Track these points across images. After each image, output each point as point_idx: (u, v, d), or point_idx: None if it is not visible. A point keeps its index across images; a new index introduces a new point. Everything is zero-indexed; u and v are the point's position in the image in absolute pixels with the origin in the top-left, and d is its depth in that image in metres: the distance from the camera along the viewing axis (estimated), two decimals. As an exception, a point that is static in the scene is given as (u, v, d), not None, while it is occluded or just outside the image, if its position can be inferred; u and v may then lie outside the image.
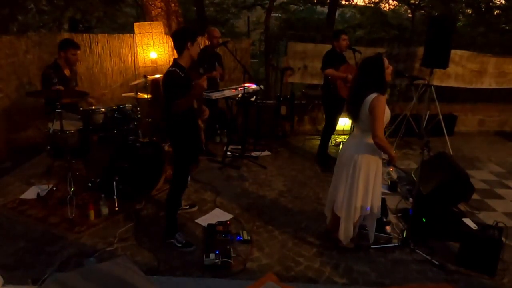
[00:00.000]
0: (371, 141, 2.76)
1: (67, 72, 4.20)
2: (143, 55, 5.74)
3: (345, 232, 2.98)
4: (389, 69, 2.78)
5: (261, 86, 5.01)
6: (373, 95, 2.68)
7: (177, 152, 3.05)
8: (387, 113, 2.78)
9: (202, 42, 5.50)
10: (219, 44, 4.94)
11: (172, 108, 2.83)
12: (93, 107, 4.01)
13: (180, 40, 2.89)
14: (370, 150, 2.82)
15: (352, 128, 2.99)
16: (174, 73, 2.83)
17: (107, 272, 1.62)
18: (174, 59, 2.95)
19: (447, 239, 3.19)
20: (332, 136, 6.12)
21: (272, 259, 2.94)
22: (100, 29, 11.42)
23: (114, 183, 3.50)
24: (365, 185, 2.85)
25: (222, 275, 2.71)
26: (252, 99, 4.93)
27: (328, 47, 4.99)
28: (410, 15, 13.18)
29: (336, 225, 3.04)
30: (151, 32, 5.66)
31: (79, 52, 4.21)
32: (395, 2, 13.65)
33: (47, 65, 4.20)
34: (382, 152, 2.87)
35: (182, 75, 2.85)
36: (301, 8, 13.91)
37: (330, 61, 4.65)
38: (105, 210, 3.44)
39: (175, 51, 3.00)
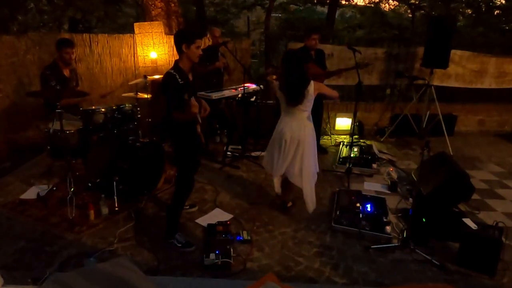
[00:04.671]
0: (308, 117, 3.38)
1: (66, 72, 4.19)
2: (143, 55, 5.74)
3: (311, 197, 3.47)
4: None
5: (261, 86, 5.01)
6: (312, 81, 3.28)
7: (178, 154, 3.06)
8: None
9: (204, 42, 5.50)
10: (219, 44, 4.96)
11: (171, 115, 2.82)
12: (93, 107, 4.01)
13: (176, 42, 2.86)
14: (310, 125, 3.41)
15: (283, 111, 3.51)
16: (171, 77, 2.80)
17: (107, 272, 1.62)
18: (175, 61, 2.93)
19: (447, 239, 3.19)
20: (332, 136, 6.17)
21: (272, 259, 2.94)
22: (100, 29, 11.40)
23: (114, 183, 3.50)
24: (314, 153, 3.50)
25: (222, 275, 2.71)
26: (252, 99, 4.93)
27: (328, 47, 5.02)
28: (410, 15, 13.16)
29: (287, 194, 3.68)
30: (151, 32, 5.66)
31: (74, 50, 4.19)
32: (395, 2, 13.63)
33: (45, 65, 4.19)
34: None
35: (181, 81, 2.81)
36: (301, 8, 13.90)
37: None
38: (105, 210, 3.44)
39: (175, 51, 2.99)
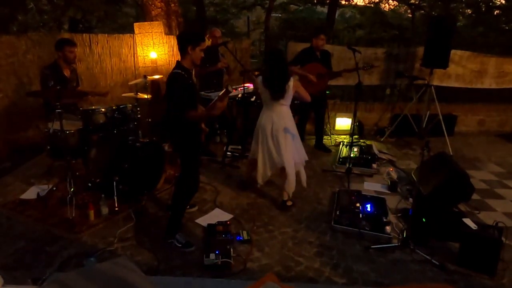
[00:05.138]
0: (288, 110, 3.72)
1: (66, 72, 4.19)
2: (143, 55, 5.74)
3: (293, 180, 3.70)
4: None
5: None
6: (291, 78, 3.60)
7: (183, 155, 3.06)
8: None
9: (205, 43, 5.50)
10: (219, 44, 4.97)
11: (185, 115, 2.83)
12: (93, 107, 4.01)
13: (181, 43, 2.88)
14: (289, 117, 3.73)
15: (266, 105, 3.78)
16: (180, 76, 2.81)
17: (107, 272, 1.61)
18: (178, 61, 2.94)
19: (447, 239, 3.19)
20: (332, 136, 6.17)
21: (272, 259, 2.94)
22: (100, 29, 11.40)
23: (114, 183, 3.50)
24: (297, 140, 3.79)
25: (222, 275, 2.71)
26: (252, 99, 4.93)
27: (328, 47, 5.04)
28: (410, 15, 13.17)
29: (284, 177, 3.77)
30: (151, 32, 5.66)
31: (76, 48, 4.19)
32: (395, 2, 13.64)
33: (44, 65, 4.19)
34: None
35: (187, 77, 2.85)
36: (301, 8, 13.91)
37: (300, 58, 5.02)
38: (105, 210, 3.44)
39: (175, 51, 3.00)
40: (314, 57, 5.05)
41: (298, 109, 5.29)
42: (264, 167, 3.77)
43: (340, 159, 4.99)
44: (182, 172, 3.12)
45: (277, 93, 3.56)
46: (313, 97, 5.05)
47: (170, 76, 2.87)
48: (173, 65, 2.98)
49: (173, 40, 5.87)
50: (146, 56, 5.73)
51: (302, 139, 5.35)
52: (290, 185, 3.72)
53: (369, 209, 3.60)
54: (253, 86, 4.36)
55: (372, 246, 3.09)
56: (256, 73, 3.88)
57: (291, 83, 3.57)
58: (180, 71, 2.84)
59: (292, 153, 3.69)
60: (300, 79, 4.98)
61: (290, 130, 3.67)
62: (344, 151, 5.31)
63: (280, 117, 3.65)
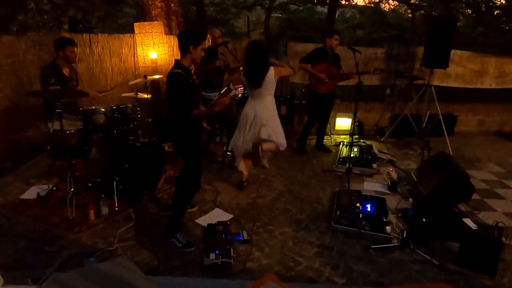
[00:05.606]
0: (271, 99, 3.83)
1: (66, 71, 4.19)
2: (143, 55, 5.74)
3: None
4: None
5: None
6: (271, 67, 3.70)
7: (184, 154, 3.06)
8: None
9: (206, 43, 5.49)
10: (219, 44, 4.97)
11: (187, 114, 2.83)
12: (93, 107, 4.01)
13: (183, 43, 2.89)
14: (272, 106, 3.85)
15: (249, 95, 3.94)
16: (181, 76, 2.81)
17: (107, 272, 1.62)
18: (176, 60, 2.94)
19: (447, 239, 3.19)
20: (332, 136, 6.17)
21: (272, 259, 2.94)
22: (100, 29, 11.40)
23: (114, 183, 3.50)
24: (279, 126, 3.91)
25: (222, 275, 2.71)
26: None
27: (336, 46, 5.07)
28: (410, 15, 13.18)
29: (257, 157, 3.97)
30: (151, 32, 5.65)
31: (76, 48, 4.19)
32: (395, 2, 13.64)
33: (44, 65, 4.19)
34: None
35: (187, 76, 2.86)
36: (301, 8, 13.91)
37: (312, 57, 5.05)
38: (105, 210, 3.44)
39: (175, 51, 3.00)
40: (326, 57, 5.04)
41: (307, 111, 5.32)
42: (240, 152, 3.95)
43: (340, 159, 4.99)
44: (183, 171, 3.12)
45: (255, 82, 3.71)
46: (322, 97, 5.15)
47: (170, 76, 2.87)
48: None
49: (173, 40, 5.87)
50: (146, 56, 5.72)
51: (304, 141, 5.38)
52: (269, 145, 3.80)
53: (369, 209, 3.60)
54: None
55: (372, 246, 3.09)
56: (241, 68, 3.97)
57: (271, 72, 3.67)
58: (180, 70, 2.84)
59: (276, 135, 3.82)
60: (311, 78, 5.09)
61: (274, 118, 3.83)
62: (344, 151, 5.31)
63: (262, 107, 3.76)
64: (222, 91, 2.93)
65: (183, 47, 2.89)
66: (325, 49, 5.03)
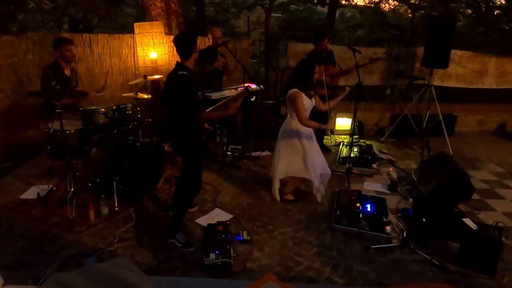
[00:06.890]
0: (293, 123, 3.51)
1: (67, 71, 4.19)
2: (143, 55, 5.74)
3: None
4: (317, 74, 3.45)
5: (261, 86, 5.01)
6: (292, 90, 3.40)
7: (185, 155, 3.06)
8: (307, 104, 3.45)
9: (204, 41, 5.50)
10: (220, 44, 4.96)
11: (199, 117, 2.85)
12: (93, 107, 4.01)
13: (186, 45, 2.88)
14: (289, 128, 3.57)
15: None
16: (187, 79, 2.81)
17: (107, 272, 1.62)
18: (179, 63, 2.91)
19: (447, 239, 3.19)
20: (332, 136, 6.17)
21: (272, 259, 2.94)
22: (100, 29, 11.39)
23: (114, 183, 3.50)
24: (294, 152, 3.66)
25: (222, 275, 2.71)
26: (252, 99, 4.93)
27: (328, 47, 5.04)
28: (410, 15, 13.16)
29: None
30: (151, 32, 5.66)
31: (73, 46, 4.17)
32: (395, 2, 13.62)
33: (46, 65, 4.19)
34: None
35: (193, 78, 2.87)
36: (301, 8, 13.89)
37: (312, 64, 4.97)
38: (105, 210, 3.44)
39: (175, 52, 2.99)
40: (322, 59, 5.04)
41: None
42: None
43: (340, 159, 4.98)
44: (184, 172, 3.12)
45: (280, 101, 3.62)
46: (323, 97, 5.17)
47: (176, 78, 2.83)
48: (173, 65, 2.97)
49: (175, 41, 5.86)
50: (146, 56, 5.72)
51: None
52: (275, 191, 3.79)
53: (369, 209, 3.60)
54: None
55: (372, 246, 3.09)
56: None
57: (290, 94, 3.45)
58: (186, 72, 2.82)
59: (286, 164, 3.67)
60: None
61: (288, 142, 3.62)
62: (344, 151, 5.31)
63: (284, 130, 3.66)
64: (239, 93, 2.91)
65: (187, 50, 2.87)
66: (318, 52, 4.96)
